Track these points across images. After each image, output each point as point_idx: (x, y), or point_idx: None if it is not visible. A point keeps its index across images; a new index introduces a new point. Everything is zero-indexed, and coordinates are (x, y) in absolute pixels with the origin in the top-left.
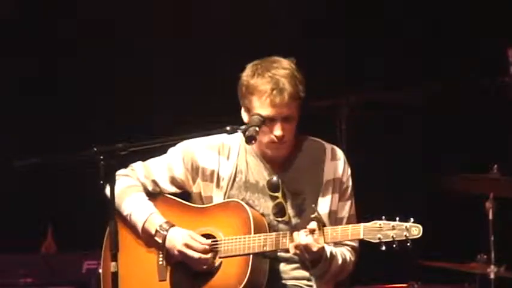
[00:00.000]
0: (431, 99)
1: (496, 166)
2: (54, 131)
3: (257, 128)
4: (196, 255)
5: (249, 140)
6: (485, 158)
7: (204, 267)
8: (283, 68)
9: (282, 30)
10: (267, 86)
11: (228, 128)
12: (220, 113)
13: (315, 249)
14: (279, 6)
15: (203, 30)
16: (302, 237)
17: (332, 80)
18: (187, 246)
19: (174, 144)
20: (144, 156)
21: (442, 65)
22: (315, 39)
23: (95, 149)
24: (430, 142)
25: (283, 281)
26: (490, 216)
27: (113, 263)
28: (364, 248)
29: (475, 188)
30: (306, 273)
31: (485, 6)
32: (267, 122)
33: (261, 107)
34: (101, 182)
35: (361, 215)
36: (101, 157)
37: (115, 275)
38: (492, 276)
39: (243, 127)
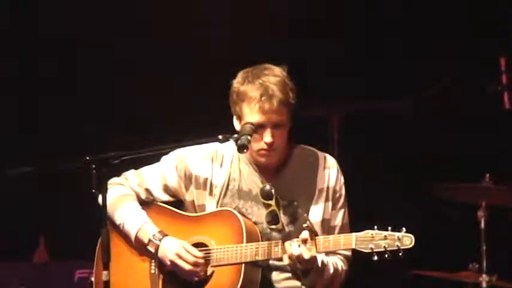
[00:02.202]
0: (422, 108)
1: (488, 175)
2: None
3: (249, 137)
4: (187, 266)
5: (241, 148)
6: (478, 167)
7: (196, 278)
8: (274, 75)
9: (272, 38)
10: (257, 92)
11: (220, 137)
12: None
13: (307, 257)
14: (266, 15)
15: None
16: (294, 247)
17: (323, 90)
18: (179, 256)
19: (167, 153)
20: (137, 164)
21: (431, 72)
22: (307, 47)
23: (87, 158)
24: (422, 151)
25: None
26: (482, 225)
27: (105, 272)
28: (356, 257)
29: (467, 197)
30: (297, 283)
31: (475, 17)
32: (257, 128)
33: (251, 113)
34: (93, 190)
35: (353, 224)
36: (93, 166)
37: (107, 284)
38: (484, 285)
39: (235, 136)
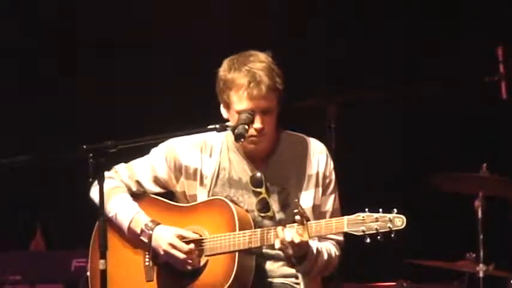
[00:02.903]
0: (419, 98)
1: (485, 165)
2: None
3: (246, 126)
4: (181, 255)
5: (239, 137)
6: (475, 156)
7: (189, 267)
8: (259, 61)
9: (267, 30)
10: (244, 79)
11: (217, 126)
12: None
13: (297, 241)
14: (262, 6)
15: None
16: (286, 232)
17: (320, 80)
18: (172, 246)
19: (160, 143)
20: (128, 156)
21: (429, 64)
22: (301, 39)
23: (84, 147)
24: (420, 141)
25: (270, 279)
26: (479, 215)
27: (102, 261)
28: (353, 246)
29: (464, 187)
30: (293, 271)
31: (474, 6)
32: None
33: (239, 100)
34: (90, 179)
35: (348, 214)
36: (90, 155)
37: (104, 273)
38: (481, 274)
39: (232, 125)
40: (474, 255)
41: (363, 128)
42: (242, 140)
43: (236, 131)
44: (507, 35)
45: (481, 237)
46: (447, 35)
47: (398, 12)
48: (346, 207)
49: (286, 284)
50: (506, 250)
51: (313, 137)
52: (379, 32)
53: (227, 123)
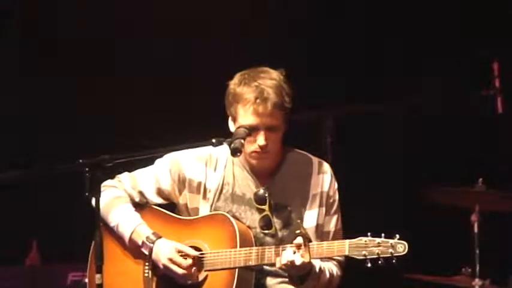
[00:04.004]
0: (414, 112)
1: (481, 179)
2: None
3: (242, 140)
4: (180, 271)
5: (234, 152)
6: (471, 171)
7: (189, 282)
8: (270, 78)
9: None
10: (252, 94)
11: (213, 141)
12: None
13: (298, 263)
14: (260, 16)
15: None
16: (288, 253)
17: (315, 93)
18: (172, 261)
19: (161, 156)
20: (131, 167)
21: (426, 77)
22: (298, 51)
23: (80, 160)
24: (415, 155)
25: None
26: (475, 230)
27: (98, 275)
28: (349, 261)
29: (460, 201)
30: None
31: (469, 20)
32: (251, 131)
33: (245, 115)
34: (87, 193)
35: (347, 228)
36: (87, 169)
37: (100, 287)
38: None
39: (228, 139)
40: (470, 269)
41: (360, 141)
42: (238, 154)
43: (232, 145)
44: (502, 50)
45: (477, 251)
46: (443, 49)
47: (396, 28)
48: (343, 220)
49: None
50: (502, 265)
51: (308, 151)
52: (378, 43)
53: (221, 138)
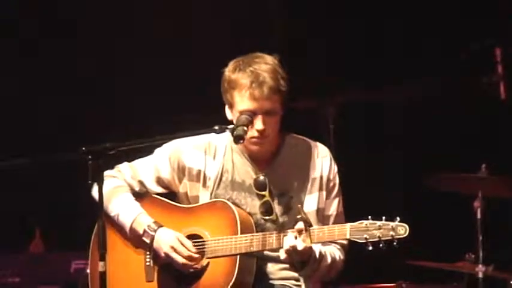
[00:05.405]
0: (417, 98)
1: (484, 165)
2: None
3: (245, 128)
4: (181, 259)
5: (237, 139)
6: (474, 157)
7: (190, 270)
8: (265, 63)
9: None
10: (247, 79)
11: (216, 128)
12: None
13: (300, 248)
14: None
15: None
16: (289, 238)
17: (317, 80)
18: (174, 249)
19: (161, 145)
20: (131, 157)
21: (428, 64)
22: (300, 40)
23: (83, 148)
24: (419, 141)
25: (271, 281)
26: (478, 216)
27: (101, 263)
28: (352, 247)
29: (463, 187)
30: (294, 273)
31: (472, 6)
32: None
33: (242, 101)
34: (89, 181)
35: (348, 214)
36: (89, 157)
37: (103, 275)
38: (480, 275)
39: (231, 126)
40: (473, 256)
41: (361, 128)
42: (241, 141)
43: (235, 132)
44: (505, 36)
45: (480, 238)
46: (446, 35)
47: (397, 12)
48: (346, 207)
49: (287, 286)
50: (506, 251)
51: (311, 138)
52: (378, 31)
53: (224, 125)
